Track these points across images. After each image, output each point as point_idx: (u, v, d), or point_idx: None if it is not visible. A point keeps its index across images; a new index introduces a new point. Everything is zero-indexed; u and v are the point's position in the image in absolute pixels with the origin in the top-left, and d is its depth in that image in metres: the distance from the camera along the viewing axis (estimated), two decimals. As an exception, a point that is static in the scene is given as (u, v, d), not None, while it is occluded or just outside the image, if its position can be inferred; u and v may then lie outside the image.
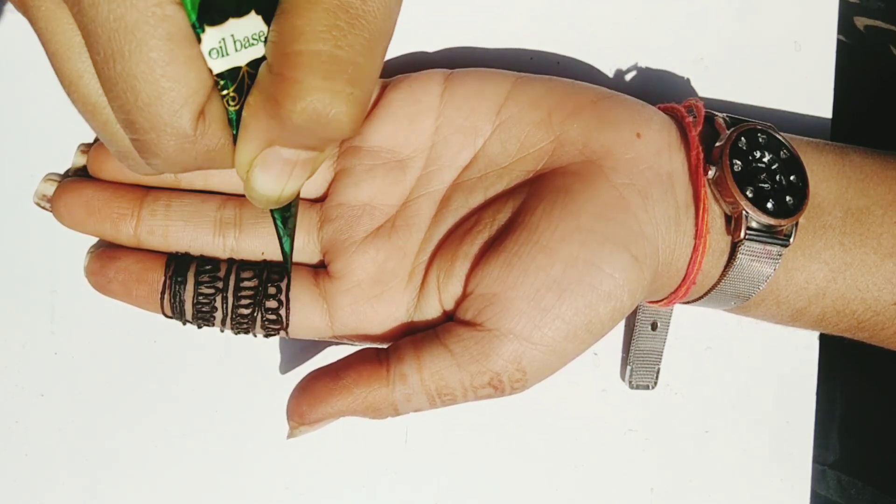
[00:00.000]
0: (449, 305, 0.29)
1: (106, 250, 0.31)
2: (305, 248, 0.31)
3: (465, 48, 0.36)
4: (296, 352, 0.36)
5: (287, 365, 0.36)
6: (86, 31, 0.19)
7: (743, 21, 0.38)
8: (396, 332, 0.30)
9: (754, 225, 0.29)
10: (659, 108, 0.32)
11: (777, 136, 0.31)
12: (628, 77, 0.37)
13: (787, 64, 0.38)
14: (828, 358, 0.38)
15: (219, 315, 0.30)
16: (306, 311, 0.30)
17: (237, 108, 0.21)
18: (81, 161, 0.32)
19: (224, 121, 0.21)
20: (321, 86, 0.19)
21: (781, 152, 0.31)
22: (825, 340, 0.38)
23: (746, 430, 0.38)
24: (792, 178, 0.30)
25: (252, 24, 0.21)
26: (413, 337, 0.29)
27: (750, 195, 0.29)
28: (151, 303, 0.30)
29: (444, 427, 0.36)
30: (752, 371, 0.38)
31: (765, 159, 0.30)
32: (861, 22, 0.43)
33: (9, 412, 0.34)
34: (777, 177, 0.30)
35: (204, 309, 0.30)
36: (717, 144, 0.30)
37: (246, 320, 0.30)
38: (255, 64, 0.21)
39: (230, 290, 0.30)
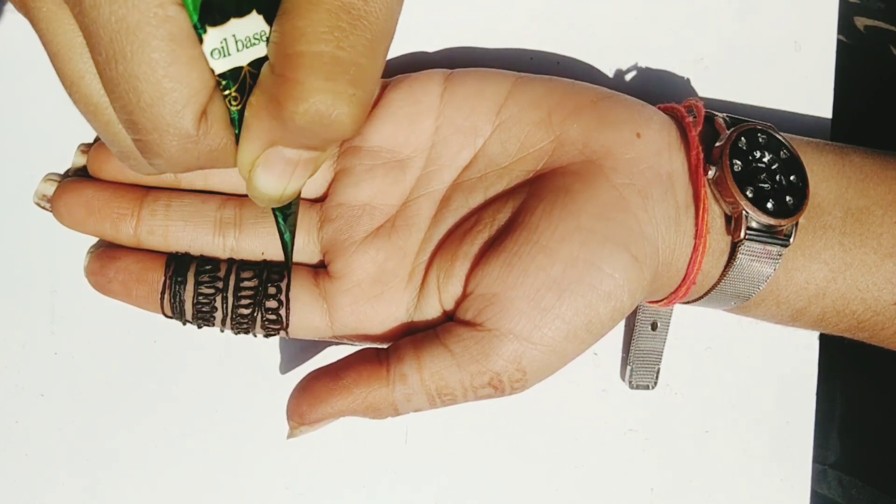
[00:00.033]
0: (449, 305, 0.29)
1: (106, 250, 0.31)
2: (305, 248, 0.31)
3: (465, 48, 0.36)
4: (296, 352, 0.36)
5: (287, 365, 0.36)
6: (87, 33, 0.20)
7: (743, 21, 0.38)
8: (396, 332, 0.30)
9: (754, 225, 0.29)
10: (659, 108, 0.32)
11: (777, 136, 0.31)
12: (628, 77, 0.37)
13: (787, 64, 0.38)
14: (828, 358, 0.38)
15: (219, 315, 0.30)
16: (306, 311, 0.30)
17: (239, 107, 0.21)
18: (81, 161, 0.32)
19: (226, 120, 0.21)
20: (323, 87, 0.19)
21: (781, 152, 0.31)
22: (825, 340, 0.38)
23: (746, 430, 0.38)
24: (792, 178, 0.30)
25: (253, 23, 0.21)
26: (413, 337, 0.29)
27: (750, 195, 0.29)
28: (151, 303, 0.30)
29: (444, 427, 0.36)
30: (752, 371, 0.38)
31: (765, 159, 0.30)
32: (861, 22, 0.43)
33: (9, 412, 0.34)
34: (777, 177, 0.30)
35: (204, 309, 0.30)
36: (717, 144, 0.30)
37: (246, 320, 0.30)
38: (256, 63, 0.21)
39: (230, 290, 0.30)
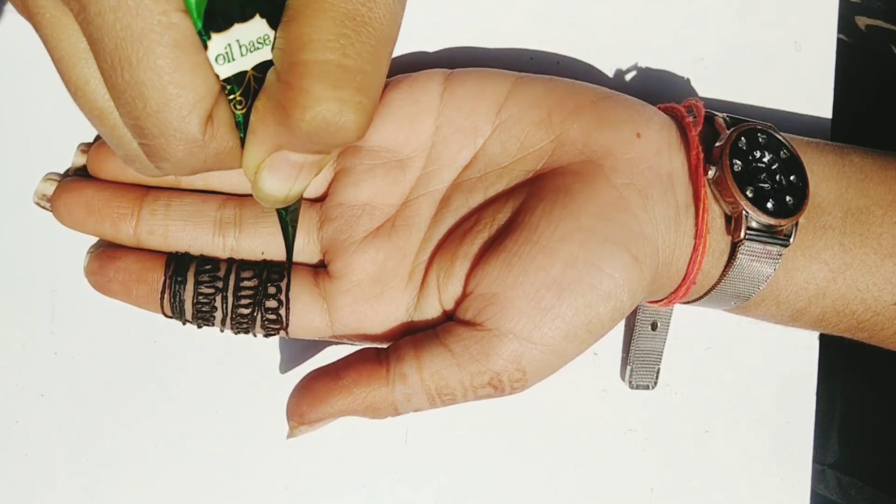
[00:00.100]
0: (449, 305, 0.29)
1: (106, 250, 0.31)
2: (305, 248, 0.31)
3: (465, 48, 0.36)
4: (296, 352, 0.36)
5: (287, 365, 0.36)
6: (92, 40, 0.20)
7: (743, 21, 0.38)
8: (396, 331, 0.30)
9: (754, 225, 0.29)
10: (659, 108, 0.32)
11: (777, 135, 0.31)
12: (628, 77, 0.37)
13: (787, 64, 0.38)
14: (828, 358, 0.38)
15: (219, 315, 0.30)
16: (306, 310, 0.30)
17: (244, 111, 0.22)
18: (81, 161, 0.32)
19: (231, 124, 0.22)
20: (330, 95, 0.20)
21: (781, 152, 0.31)
22: (825, 340, 0.38)
23: (746, 430, 0.38)
24: (792, 178, 0.30)
25: (257, 28, 0.21)
26: (413, 337, 0.29)
27: (750, 195, 0.29)
28: (151, 302, 0.30)
29: (444, 427, 0.36)
30: (752, 371, 0.38)
31: (765, 159, 0.30)
32: (862, 21, 0.43)
33: (9, 412, 0.34)
34: (777, 177, 0.30)
35: (204, 309, 0.30)
36: (717, 144, 0.30)
37: (246, 320, 0.30)
38: (260, 67, 0.22)
39: (230, 290, 0.30)
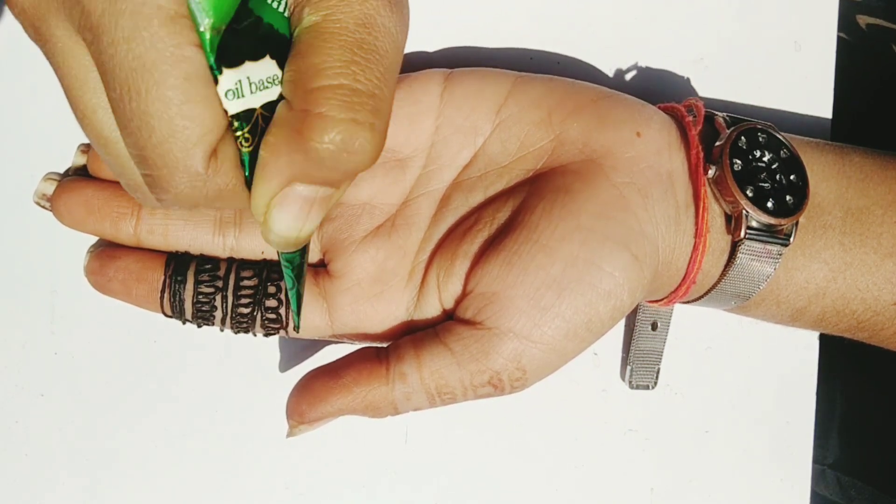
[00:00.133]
0: (449, 304, 0.29)
1: (106, 249, 0.31)
2: (305, 248, 0.32)
3: (465, 48, 0.36)
4: (296, 351, 0.36)
5: (287, 364, 0.36)
6: (103, 69, 0.20)
7: (743, 21, 0.38)
8: (396, 330, 0.30)
9: (754, 224, 0.29)
10: (659, 107, 0.32)
11: (777, 135, 0.31)
12: (628, 77, 0.37)
13: (787, 64, 0.38)
14: (828, 358, 0.38)
15: (218, 314, 0.30)
16: (306, 310, 0.30)
17: (250, 149, 0.22)
18: (81, 161, 0.32)
19: (236, 161, 0.22)
20: (346, 118, 0.20)
21: (781, 151, 0.31)
22: (825, 340, 0.38)
23: (746, 430, 0.38)
24: (792, 177, 0.30)
25: (267, 67, 0.22)
26: (413, 336, 0.29)
27: (750, 194, 0.29)
28: (151, 302, 0.30)
29: (444, 427, 0.36)
30: (752, 371, 0.38)
31: (765, 158, 0.30)
32: (863, 20, 0.43)
33: (9, 412, 0.34)
34: (777, 176, 0.30)
35: (204, 308, 0.30)
36: (717, 144, 0.30)
37: (246, 319, 0.30)
38: (268, 107, 0.22)
39: (230, 289, 0.30)
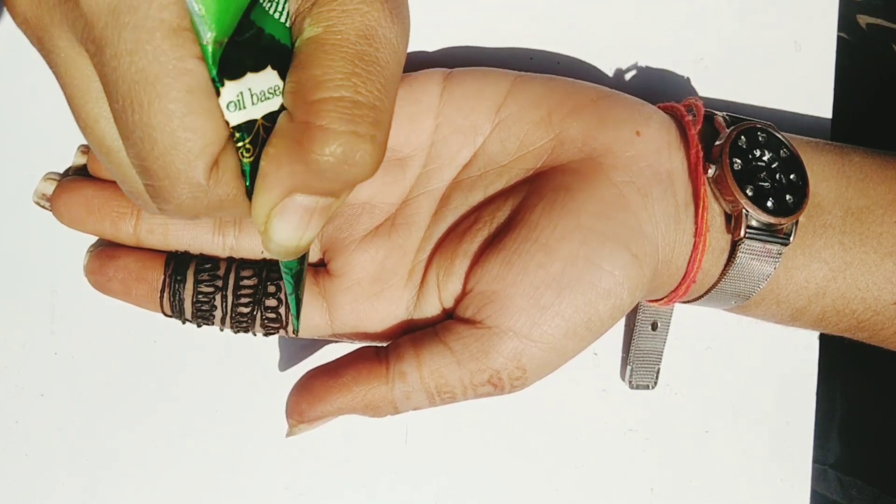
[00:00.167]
0: (449, 303, 0.29)
1: (105, 249, 0.31)
2: (305, 247, 0.32)
3: (465, 48, 0.36)
4: (295, 350, 0.36)
5: (287, 364, 0.36)
6: (106, 81, 0.20)
7: (743, 21, 0.38)
8: (396, 330, 0.30)
9: (754, 223, 0.29)
10: (659, 107, 0.32)
11: (777, 134, 0.31)
12: (628, 77, 0.37)
13: (787, 64, 0.38)
14: (828, 358, 0.38)
15: (218, 314, 0.30)
16: (306, 309, 0.30)
17: (251, 159, 0.22)
18: (81, 161, 0.32)
19: (237, 172, 0.22)
20: (347, 130, 0.21)
21: (781, 151, 0.31)
22: (825, 340, 0.38)
23: (746, 430, 0.38)
24: (792, 176, 0.30)
25: (268, 78, 0.22)
26: (413, 335, 0.29)
27: (750, 193, 0.29)
28: (151, 301, 0.30)
29: (444, 427, 0.36)
30: (752, 371, 0.38)
31: (765, 158, 0.30)
32: (863, 20, 0.43)
33: (9, 412, 0.34)
34: (777, 175, 0.30)
35: (203, 307, 0.30)
36: (717, 143, 0.30)
37: (245, 319, 0.30)
38: (269, 118, 0.22)
39: (230, 289, 0.30)
